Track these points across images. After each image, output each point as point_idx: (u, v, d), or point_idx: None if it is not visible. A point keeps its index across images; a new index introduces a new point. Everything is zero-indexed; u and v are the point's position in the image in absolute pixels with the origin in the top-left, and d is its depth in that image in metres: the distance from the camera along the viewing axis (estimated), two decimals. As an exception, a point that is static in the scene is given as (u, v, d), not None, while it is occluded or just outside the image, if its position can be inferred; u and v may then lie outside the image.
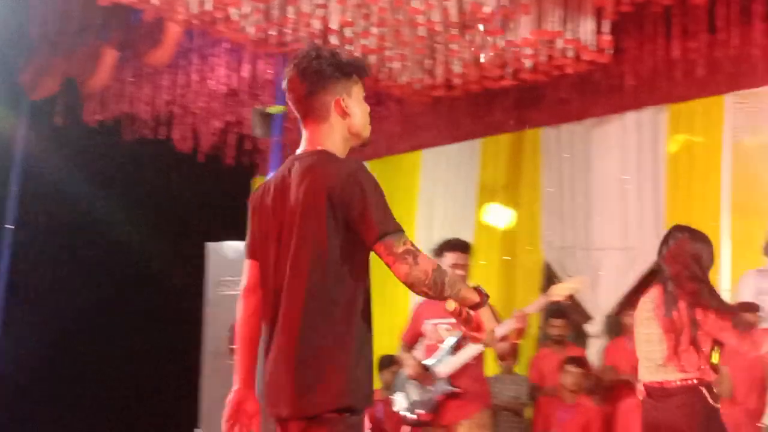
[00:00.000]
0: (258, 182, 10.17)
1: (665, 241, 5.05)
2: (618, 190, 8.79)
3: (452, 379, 5.89)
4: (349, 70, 3.22)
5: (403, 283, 3.05)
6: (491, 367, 8.13)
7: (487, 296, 3.13)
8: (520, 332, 5.76)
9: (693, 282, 4.86)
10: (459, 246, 6.20)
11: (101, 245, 9.30)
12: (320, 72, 3.14)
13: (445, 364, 5.92)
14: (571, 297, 5.83)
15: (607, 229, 8.78)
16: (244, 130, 9.42)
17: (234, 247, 6.99)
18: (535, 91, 8.89)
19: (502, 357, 6.21)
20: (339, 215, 3.00)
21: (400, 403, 6.05)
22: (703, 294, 4.81)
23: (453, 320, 5.84)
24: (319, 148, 3.14)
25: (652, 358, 4.95)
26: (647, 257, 8.43)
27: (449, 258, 6.12)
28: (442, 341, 6.03)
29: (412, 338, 6.26)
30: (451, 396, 5.87)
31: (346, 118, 3.20)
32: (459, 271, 6.07)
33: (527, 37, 7.19)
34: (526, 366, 8.53)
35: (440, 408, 5.90)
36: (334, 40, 7.50)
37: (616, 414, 7.64)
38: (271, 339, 3.07)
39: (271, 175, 3.35)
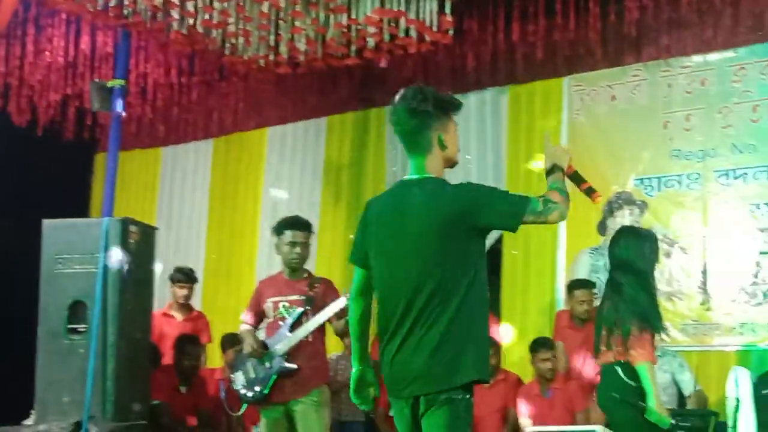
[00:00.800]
0: (101, 158, 10.00)
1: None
2: (460, 170, 8.83)
3: (290, 356, 5.89)
4: (448, 108, 3.81)
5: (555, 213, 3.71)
6: (336, 345, 8.21)
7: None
8: None
9: None
10: (298, 224, 6.21)
11: (-68, 221, 8.98)
12: (426, 112, 3.72)
13: (282, 342, 5.92)
14: None
15: (450, 208, 8.89)
16: (84, 104, 9.21)
17: (71, 225, 6.82)
18: (380, 70, 8.94)
19: (340, 335, 6.24)
20: (462, 226, 3.62)
21: (238, 380, 6.04)
22: None
23: (294, 297, 5.92)
24: (428, 175, 3.76)
25: None
26: (489, 235, 8.62)
27: (288, 235, 6.12)
28: (282, 319, 6.03)
29: (254, 316, 6.23)
30: (287, 373, 5.87)
31: (444, 150, 3.78)
32: (297, 249, 6.08)
33: (370, 15, 7.24)
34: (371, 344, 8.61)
35: (277, 385, 5.90)
36: (175, 14, 7.41)
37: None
38: (398, 331, 3.65)
39: (381, 195, 3.98)
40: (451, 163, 3.84)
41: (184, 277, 8.31)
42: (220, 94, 9.95)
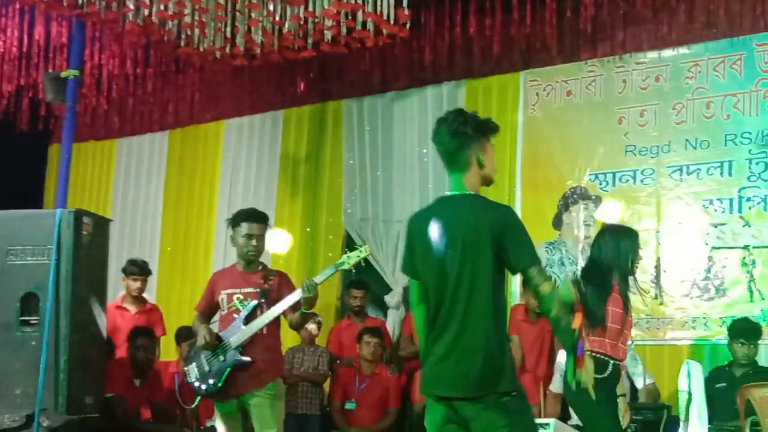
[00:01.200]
0: (54, 149, 9.91)
1: None
2: (417, 163, 8.97)
3: (244, 349, 5.86)
4: (486, 131, 4.07)
5: (542, 297, 3.88)
6: (293, 339, 8.20)
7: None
8: (308, 302, 5.75)
9: None
10: (253, 216, 6.16)
11: None
12: (466, 133, 4.00)
13: (237, 335, 5.90)
14: (357, 265, 5.89)
15: (407, 201, 8.92)
16: (38, 95, 9.12)
17: (24, 216, 6.75)
18: (338, 63, 8.95)
19: (294, 327, 6.22)
20: (497, 244, 3.87)
21: (192, 373, 5.98)
22: None
23: (249, 290, 5.90)
24: (468, 192, 4.03)
25: None
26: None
27: (244, 228, 6.06)
28: (236, 311, 5.97)
29: (207, 308, 6.19)
30: (242, 366, 5.83)
31: (482, 169, 4.04)
32: (253, 242, 6.08)
33: (328, 8, 7.23)
34: (326, 337, 8.62)
35: (231, 378, 5.85)
36: (130, 4, 7.35)
37: (413, 384, 7.79)
38: (444, 337, 3.94)
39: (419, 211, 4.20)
40: (488, 181, 4.10)
41: (138, 269, 8.25)
42: (176, 85, 9.89)
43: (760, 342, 6.87)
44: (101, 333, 6.90)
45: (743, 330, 6.72)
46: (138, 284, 8.20)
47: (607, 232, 5.46)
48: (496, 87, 8.66)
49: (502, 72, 8.60)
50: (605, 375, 5.10)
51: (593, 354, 5.08)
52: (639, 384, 6.89)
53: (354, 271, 6.04)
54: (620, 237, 5.34)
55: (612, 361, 5.12)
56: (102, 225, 7.02)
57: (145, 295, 8.37)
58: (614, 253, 5.25)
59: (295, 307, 5.83)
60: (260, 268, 6.15)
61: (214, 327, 6.10)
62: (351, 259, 5.81)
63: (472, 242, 3.91)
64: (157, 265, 10.12)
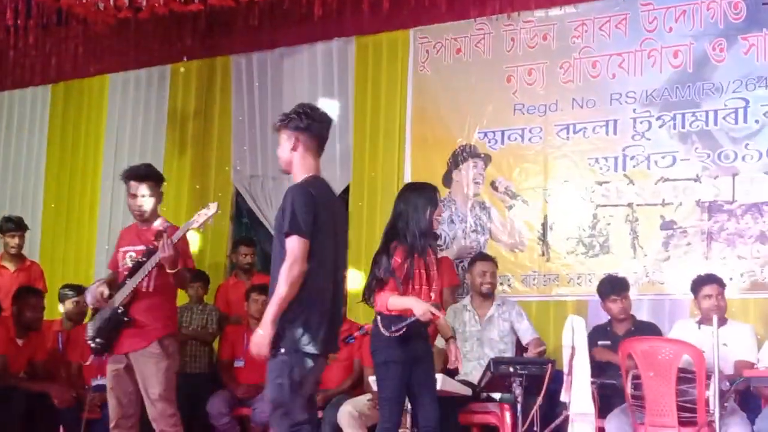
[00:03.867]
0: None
1: None
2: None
3: (127, 307, 5.82)
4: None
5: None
6: (180, 297, 8.11)
7: None
8: (166, 261, 5.67)
9: None
10: (137, 175, 6.07)
11: None
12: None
13: (120, 292, 5.84)
14: (207, 222, 5.83)
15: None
16: None
17: None
18: (226, 17, 8.81)
19: (177, 285, 6.14)
20: None
21: (88, 330, 5.98)
22: None
23: (141, 247, 5.83)
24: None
25: None
26: (334, 186, 8.56)
27: (131, 187, 6.02)
28: (127, 269, 5.95)
29: (114, 265, 6.16)
30: (125, 325, 5.81)
31: None
32: (137, 201, 5.99)
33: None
34: (215, 295, 8.56)
35: (117, 336, 5.84)
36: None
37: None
38: (330, 298, 4.74)
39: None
40: None
41: (14, 225, 8.12)
42: (59, 38, 9.59)
43: (636, 297, 7.05)
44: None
45: (611, 286, 6.86)
46: (16, 241, 8.08)
47: (407, 189, 5.73)
48: (386, 44, 8.63)
49: (393, 29, 8.56)
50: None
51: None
52: (525, 339, 7.00)
53: (202, 229, 6.01)
54: (419, 193, 5.54)
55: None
56: (-20, 181, 6.85)
57: (24, 252, 8.20)
58: (412, 209, 5.45)
59: (171, 266, 5.74)
60: (155, 225, 6.06)
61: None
62: (200, 216, 5.73)
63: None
64: (41, 223, 9.96)
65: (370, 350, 5.51)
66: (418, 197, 5.50)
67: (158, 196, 6.14)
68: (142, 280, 5.81)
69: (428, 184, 5.76)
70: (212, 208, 5.75)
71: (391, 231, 5.51)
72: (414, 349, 5.39)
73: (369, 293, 5.50)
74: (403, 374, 5.34)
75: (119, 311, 5.81)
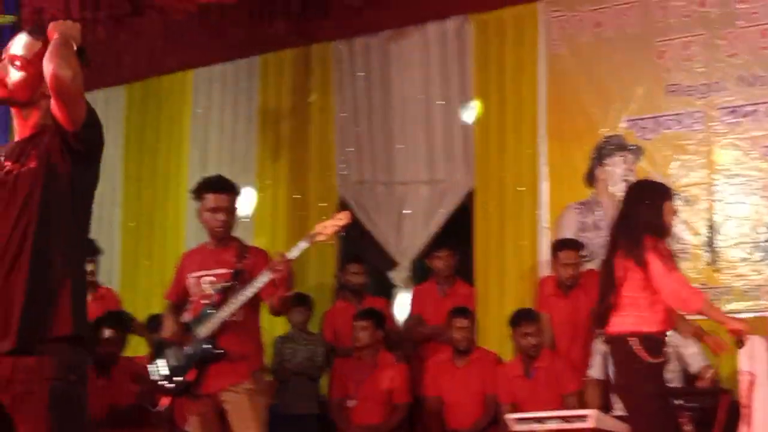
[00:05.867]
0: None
1: None
2: (422, 114, 8.85)
3: (215, 339, 5.84)
4: None
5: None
6: (282, 326, 8.16)
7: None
8: (282, 281, 5.72)
9: None
10: (218, 185, 6.14)
11: None
12: None
13: (206, 323, 5.86)
14: (336, 235, 5.85)
15: (411, 159, 8.86)
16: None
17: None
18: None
19: (276, 313, 6.17)
20: None
21: (158, 370, 5.97)
22: None
23: (220, 271, 5.87)
24: None
25: None
26: (457, 191, 8.59)
27: (209, 200, 6.06)
28: (206, 297, 5.98)
29: (178, 295, 6.19)
30: (213, 359, 5.82)
31: None
32: (220, 216, 6.02)
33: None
34: (320, 322, 8.52)
35: (202, 374, 5.85)
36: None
37: (425, 372, 7.76)
38: None
39: None
40: None
41: None
42: (133, 31, 9.70)
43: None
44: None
45: None
46: (89, 267, 8.10)
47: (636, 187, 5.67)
48: (511, 21, 8.52)
49: (517, 2, 8.46)
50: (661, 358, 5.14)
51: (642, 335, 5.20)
52: (693, 367, 6.84)
53: (333, 243, 6.02)
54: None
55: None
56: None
57: (96, 278, 8.28)
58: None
59: (273, 290, 5.75)
60: (233, 244, 6.11)
61: (186, 316, 6.07)
62: (327, 228, 5.72)
63: None
64: (119, 245, 10.05)
65: (624, 380, 5.46)
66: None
67: (236, 211, 6.21)
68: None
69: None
70: (342, 218, 5.81)
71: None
72: None
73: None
74: None
75: (209, 345, 5.82)
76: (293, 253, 5.79)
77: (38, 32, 3.65)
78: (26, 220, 3.43)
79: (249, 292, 5.79)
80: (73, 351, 3.39)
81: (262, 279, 5.76)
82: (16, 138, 3.64)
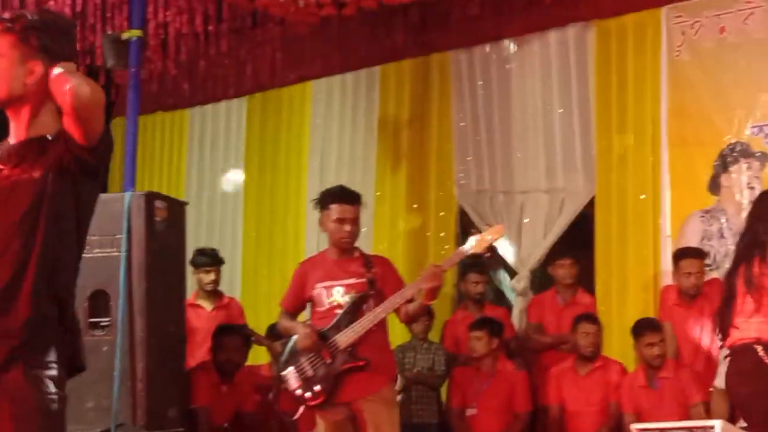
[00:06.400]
0: (118, 123, 10.02)
1: None
2: (541, 122, 8.88)
3: (354, 348, 5.92)
4: None
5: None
6: (402, 334, 8.26)
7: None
8: (432, 292, 5.81)
9: None
10: (344, 196, 6.20)
11: None
12: None
13: (345, 333, 5.94)
14: (490, 248, 5.89)
15: (530, 167, 8.88)
16: (97, 61, 9.26)
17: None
18: (441, 8, 8.89)
19: (408, 321, 6.26)
20: None
21: (292, 379, 6.06)
22: None
23: (351, 281, 5.93)
24: None
25: None
26: (577, 200, 8.61)
27: (334, 211, 6.11)
28: (338, 306, 6.05)
29: (296, 305, 6.31)
30: (353, 369, 5.90)
31: None
32: (347, 227, 6.09)
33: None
34: (440, 331, 8.64)
35: (341, 383, 5.93)
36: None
37: (547, 381, 7.80)
38: None
39: None
40: None
41: (209, 259, 8.33)
42: (254, 43, 9.94)
43: None
44: (182, 334, 7.01)
45: None
46: (211, 276, 8.30)
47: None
48: (633, 27, 8.51)
49: (640, 8, 8.45)
50: None
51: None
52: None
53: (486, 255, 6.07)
54: None
55: None
56: (177, 209, 7.12)
57: (220, 288, 8.49)
58: None
59: (409, 299, 5.86)
60: (356, 254, 6.20)
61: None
62: (481, 242, 5.78)
63: None
64: (241, 254, 10.26)
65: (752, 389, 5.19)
66: None
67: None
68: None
69: None
70: (497, 231, 5.86)
71: None
72: None
73: None
74: None
75: (352, 354, 5.92)
76: (446, 264, 5.92)
77: (10, 27, 3.41)
78: (29, 229, 3.33)
79: (397, 299, 5.89)
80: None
81: (414, 287, 5.86)
82: (12, 140, 3.49)
